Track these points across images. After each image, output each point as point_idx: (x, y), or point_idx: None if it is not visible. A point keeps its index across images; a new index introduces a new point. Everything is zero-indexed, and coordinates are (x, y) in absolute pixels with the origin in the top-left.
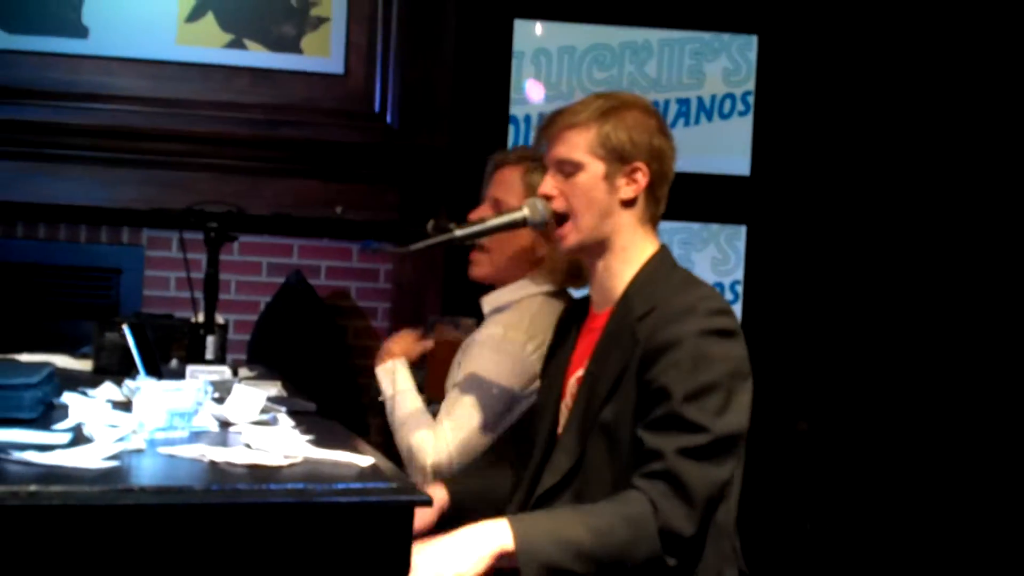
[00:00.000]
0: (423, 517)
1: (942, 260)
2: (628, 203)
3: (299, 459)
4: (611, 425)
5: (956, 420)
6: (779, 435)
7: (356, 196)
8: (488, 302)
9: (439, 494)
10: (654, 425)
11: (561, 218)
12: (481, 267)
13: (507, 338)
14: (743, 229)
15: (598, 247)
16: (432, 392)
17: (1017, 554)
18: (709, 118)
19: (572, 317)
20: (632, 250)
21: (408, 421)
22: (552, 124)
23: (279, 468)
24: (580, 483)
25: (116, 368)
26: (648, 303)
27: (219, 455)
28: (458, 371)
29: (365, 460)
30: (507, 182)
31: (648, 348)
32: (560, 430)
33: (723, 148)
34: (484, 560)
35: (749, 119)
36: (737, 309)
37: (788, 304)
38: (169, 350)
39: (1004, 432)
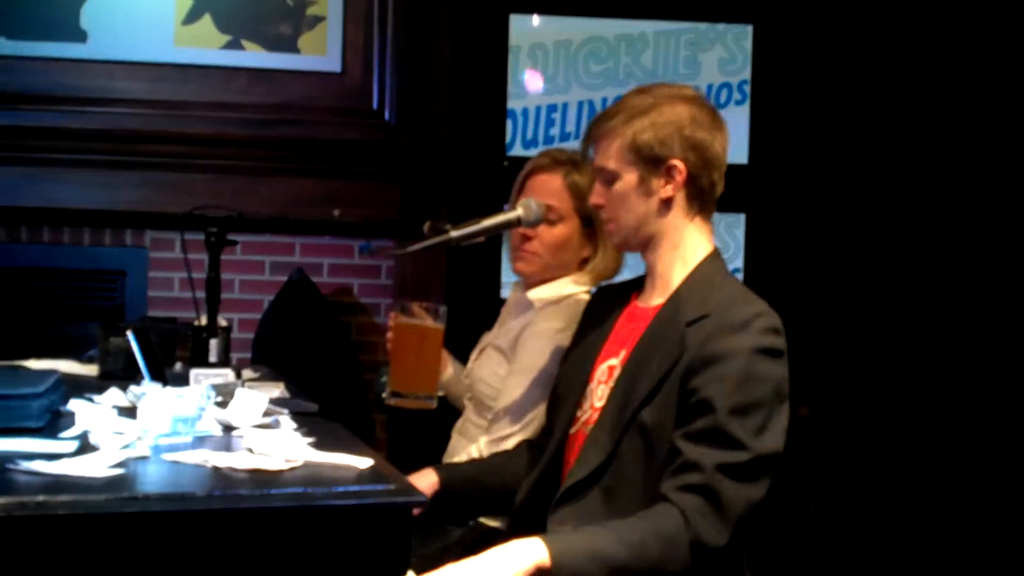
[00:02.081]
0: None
1: (940, 246)
2: (669, 202)
3: (299, 463)
4: (649, 427)
5: (957, 404)
6: None
7: (356, 194)
8: (539, 299)
9: (429, 478)
10: (695, 436)
11: (607, 222)
12: (530, 264)
13: (565, 332)
14: (742, 217)
15: (646, 244)
16: (397, 383)
17: (1018, 536)
18: None
19: (609, 301)
20: (684, 248)
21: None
22: (591, 132)
23: (280, 472)
24: (610, 479)
25: (121, 373)
26: (700, 310)
27: (221, 460)
28: (511, 356)
29: (364, 462)
30: (549, 187)
31: (697, 356)
32: (579, 413)
33: None
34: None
35: (746, 108)
36: None
37: (788, 291)
38: (173, 353)
39: (1005, 416)
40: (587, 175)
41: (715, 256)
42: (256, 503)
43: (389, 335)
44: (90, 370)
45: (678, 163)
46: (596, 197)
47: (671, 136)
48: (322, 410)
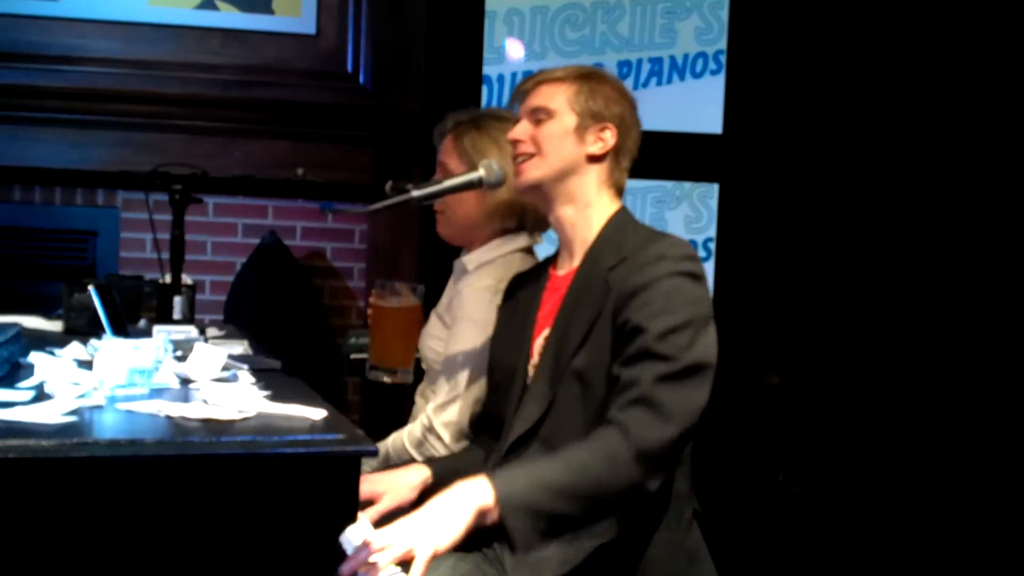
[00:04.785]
0: (403, 494)
1: (912, 217)
2: (594, 159)
3: (252, 413)
4: (583, 371)
5: (926, 373)
6: (751, 388)
7: (329, 157)
8: (473, 260)
9: (423, 472)
10: (629, 360)
11: (526, 158)
12: (446, 227)
13: (497, 289)
14: (715, 187)
15: (559, 194)
16: (376, 359)
17: (984, 503)
18: (681, 77)
19: (530, 280)
20: (595, 207)
21: (400, 443)
22: (529, 80)
23: (232, 422)
24: (550, 429)
25: (85, 329)
26: (618, 255)
27: (175, 410)
28: (445, 320)
29: (318, 413)
30: (447, 148)
31: (622, 292)
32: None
33: (695, 107)
34: (464, 522)
35: (721, 78)
36: (710, 266)
37: (760, 260)
38: (139, 311)
39: (975, 384)
40: (486, 133)
41: (623, 210)
42: (206, 450)
43: (370, 311)
44: (55, 326)
45: (613, 129)
46: (517, 133)
47: (616, 108)
48: (294, 372)
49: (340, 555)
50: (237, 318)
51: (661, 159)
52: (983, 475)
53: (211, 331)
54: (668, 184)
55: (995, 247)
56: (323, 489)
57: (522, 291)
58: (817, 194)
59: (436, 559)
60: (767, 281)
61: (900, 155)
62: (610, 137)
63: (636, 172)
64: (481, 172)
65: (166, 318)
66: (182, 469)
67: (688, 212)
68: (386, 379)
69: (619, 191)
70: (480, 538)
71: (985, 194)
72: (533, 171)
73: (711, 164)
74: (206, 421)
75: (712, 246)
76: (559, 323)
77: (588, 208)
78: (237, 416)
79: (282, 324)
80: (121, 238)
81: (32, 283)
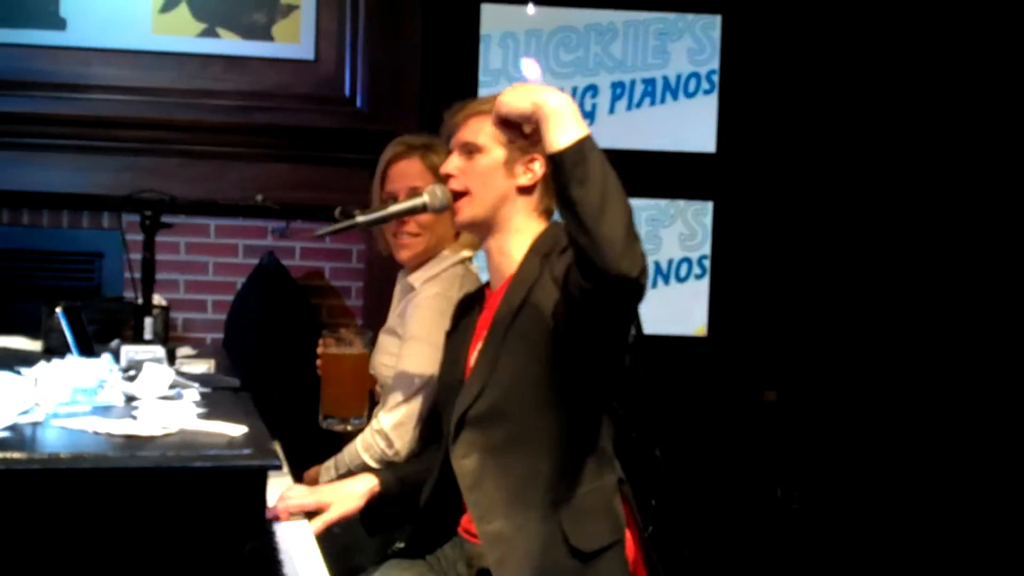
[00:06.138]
0: (350, 503)
1: (905, 233)
2: (525, 190)
3: (174, 430)
4: (525, 329)
5: (920, 388)
6: (748, 405)
7: (327, 179)
8: (418, 278)
9: (370, 482)
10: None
11: (459, 195)
12: (414, 248)
13: (446, 296)
14: (710, 205)
15: (493, 226)
16: (328, 408)
17: (982, 516)
18: (675, 97)
19: (471, 303)
20: (524, 232)
21: (354, 449)
22: (458, 112)
23: (153, 438)
24: (495, 390)
25: (62, 348)
26: (549, 249)
27: (103, 426)
28: (399, 333)
29: (238, 430)
30: (411, 171)
31: (560, 259)
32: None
33: (689, 126)
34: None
35: (714, 97)
36: (705, 283)
37: (755, 278)
38: (119, 331)
39: (969, 398)
40: (442, 155)
41: (549, 227)
42: (121, 464)
43: (319, 362)
44: (35, 346)
45: (541, 159)
46: (450, 168)
47: None
48: (291, 391)
49: (247, 563)
50: (237, 337)
51: (655, 178)
52: (981, 488)
53: (183, 351)
54: (662, 202)
55: (988, 264)
56: (230, 501)
57: (464, 318)
58: (810, 211)
59: (383, 567)
60: (762, 298)
61: (893, 172)
62: (539, 168)
63: (631, 191)
64: (425, 198)
65: (140, 338)
66: (97, 481)
67: (682, 230)
68: (338, 428)
69: (549, 214)
70: (425, 545)
71: (979, 213)
72: (467, 210)
73: (705, 182)
74: (129, 437)
75: (707, 263)
76: (497, 315)
77: (517, 235)
78: (159, 432)
79: (281, 342)
80: (126, 259)
81: (39, 304)
